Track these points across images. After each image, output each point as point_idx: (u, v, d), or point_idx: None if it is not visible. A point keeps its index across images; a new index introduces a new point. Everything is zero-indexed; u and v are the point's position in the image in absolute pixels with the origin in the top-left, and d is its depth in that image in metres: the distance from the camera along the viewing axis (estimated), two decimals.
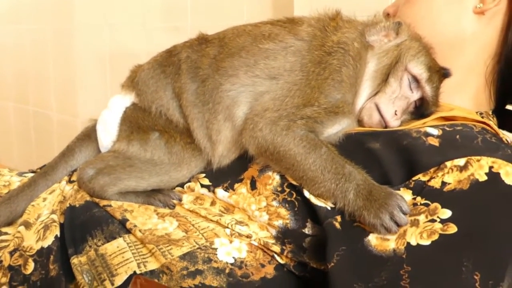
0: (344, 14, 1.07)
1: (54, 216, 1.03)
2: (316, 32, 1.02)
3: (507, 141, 0.98)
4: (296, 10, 1.82)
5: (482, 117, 1.05)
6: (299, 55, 1.00)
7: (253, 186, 0.98)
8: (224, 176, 1.03)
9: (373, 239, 0.84)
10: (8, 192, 1.15)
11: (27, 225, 1.04)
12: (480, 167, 0.84)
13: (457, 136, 0.91)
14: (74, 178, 1.14)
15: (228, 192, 1.00)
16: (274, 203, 0.95)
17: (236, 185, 1.00)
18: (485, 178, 0.83)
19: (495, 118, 1.11)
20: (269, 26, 1.07)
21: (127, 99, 1.13)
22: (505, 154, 0.87)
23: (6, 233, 1.07)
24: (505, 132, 1.04)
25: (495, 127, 1.00)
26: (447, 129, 0.94)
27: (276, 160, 0.95)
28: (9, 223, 1.11)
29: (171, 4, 2.35)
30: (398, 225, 0.83)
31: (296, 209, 0.93)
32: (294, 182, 0.94)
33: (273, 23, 1.08)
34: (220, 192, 1.01)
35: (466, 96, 1.11)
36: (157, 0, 2.41)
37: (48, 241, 1.00)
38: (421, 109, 1.03)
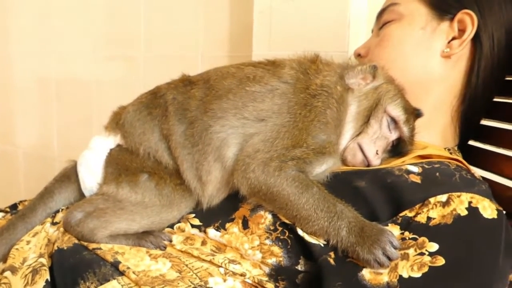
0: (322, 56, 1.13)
1: (43, 260, 1.01)
2: (299, 75, 1.06)
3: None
4: (254, 45, 1.85)
5: (451, 153, 1.13)
6: (286, 98, 1.03)
7: (245, 225, 1.00)
8: (214, 216, 1.05)
9: (366, 274, 0.88)
10: None
11: (13, 270, 1.01)
12: (460, 203, 0.91)
13: (437, 174, 0.98)
14: (57, 219, 1.12)
15: (220, 231, 1.02)
16: (267, 241, 0.97)
17: (227, 225, 1.02)
18: (466, 212, 0.90)
19: (460, 154, 1.19)
20: (251, 68, 1.10)
21: (111, 140, 1.12)
22: (480, 189, 0.95)
23: None
24: (471, 166, 1.13)
25: (466, 163, 1.09)
26: (426, 166, 1.00)
27: (269, 200, 0.98)
28: None
29: (124, 33, 2.34)
30: (390, 259, 0.88)
31: (289, 247, 0.96)
32: (286, 221, 0.97)
33: (255, 65, 1.11)
34: (211, 232, 1.02)
35: (434, 133, 1.18)
36: (108, 28, 2.38)
37: (39, 286, 0.97)
38: (397, 148, 1.10)
